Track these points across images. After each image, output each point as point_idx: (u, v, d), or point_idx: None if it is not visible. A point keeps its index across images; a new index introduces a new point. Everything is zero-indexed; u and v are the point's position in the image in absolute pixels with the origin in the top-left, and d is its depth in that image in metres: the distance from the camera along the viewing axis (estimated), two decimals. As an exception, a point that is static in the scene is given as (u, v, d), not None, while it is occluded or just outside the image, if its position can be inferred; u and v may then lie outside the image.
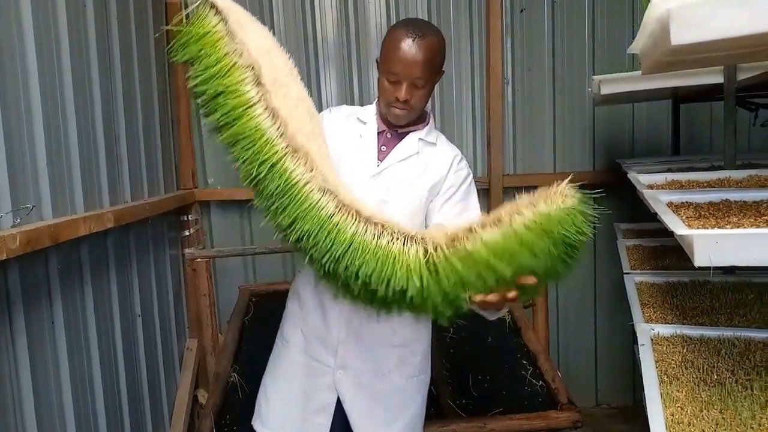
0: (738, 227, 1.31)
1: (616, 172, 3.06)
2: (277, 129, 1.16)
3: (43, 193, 1.77)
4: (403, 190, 1.63)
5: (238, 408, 2.29)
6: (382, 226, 1.13)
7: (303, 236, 1.12)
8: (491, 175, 3.36)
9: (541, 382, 2.31)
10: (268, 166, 1.13)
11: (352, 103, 3.34)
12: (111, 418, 2.14)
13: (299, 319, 1.71)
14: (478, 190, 3.51)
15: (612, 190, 3.41)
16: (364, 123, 1.68)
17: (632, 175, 2.12)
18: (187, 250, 2.99)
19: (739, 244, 1.19)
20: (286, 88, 1.25)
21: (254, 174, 1.14)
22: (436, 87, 3.35)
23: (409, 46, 1.49)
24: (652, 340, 1.77)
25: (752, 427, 1.32)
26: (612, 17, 3.38)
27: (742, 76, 2.06)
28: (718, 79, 2.14)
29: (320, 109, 3.32)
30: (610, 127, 3.47)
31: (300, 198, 1.13)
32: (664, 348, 1.72)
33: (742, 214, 1.43)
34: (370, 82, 3.37)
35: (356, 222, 1.12)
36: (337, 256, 1.10)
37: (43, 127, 1.78)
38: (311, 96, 3.43)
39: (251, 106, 1.16)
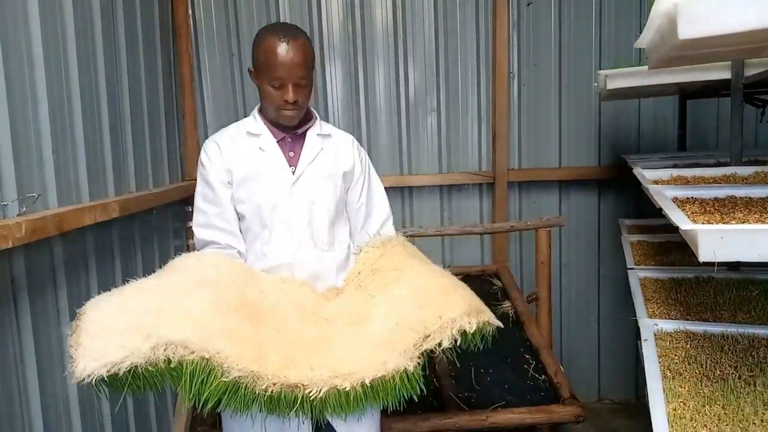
0: (743, 223, 1.31)
1: (621, 168, 3.06)
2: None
3: (48, 183, 1.78)
4: (324, 185, 1.72)
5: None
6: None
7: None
8: (496, 170, 3.35)
9: (543, 376, 2.31)
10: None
11: (357, 97, 3.35)
12: (115, 405, 2.15)
13: None
14: (482, 185, 3.55)
15: (617, 186, 3.44)
16: (258, 135, 1.71)
17: (637, 171, 2.11)
18: (191, 241, 3.00)
19: (744, 240, 1.18)
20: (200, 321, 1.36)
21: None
22: (442, 81, 3.37)
23: (285, 50, 1.58)
24: (655, 335, 1.77)
25: (754, 423, 1.32)
26: (619, 12, 3.36)
27: (749, 72, 2.05)
28: (725, 74, 2.13)
29: (325, 104, 3.33)
30: (615, 122, 3.46)
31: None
32: (668, 343, 1.72)
33: (747, 210, 1.43)
34: (375, 76, 3.36)
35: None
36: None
37: (49, 117, 1.78)
38: (316, 92, 3.41)
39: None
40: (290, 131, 1.72)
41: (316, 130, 1.75)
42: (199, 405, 1.29)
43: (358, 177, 1.81)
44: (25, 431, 1.64)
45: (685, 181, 1.89)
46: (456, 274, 3.10)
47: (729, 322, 1.80)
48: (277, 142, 1.71)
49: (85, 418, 1.94)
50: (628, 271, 2.29)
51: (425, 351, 1.38)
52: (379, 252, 1.73)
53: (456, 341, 1.37)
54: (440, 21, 3.36)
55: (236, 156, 1.69)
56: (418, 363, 1.37)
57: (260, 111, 1.76)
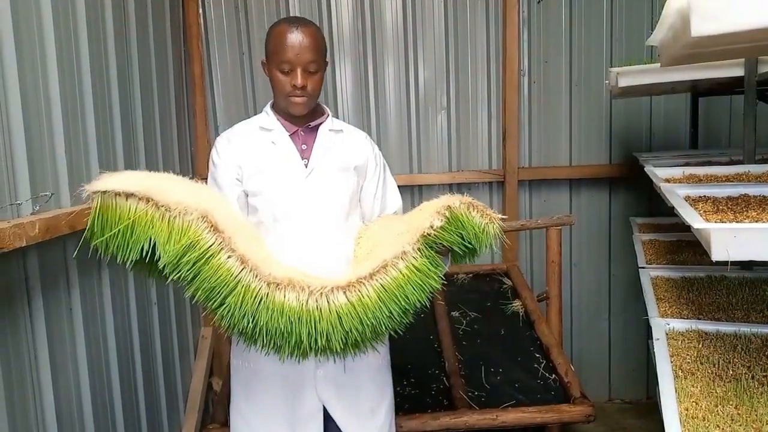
0: (757, 222, 1.30)
1: (632, 166, 3.04)
2: (247, 269, 1.27)
3: (61, 182, 1.80)
4: (337, 179, 1.69)
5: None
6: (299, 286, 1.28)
7: (227, 309, 1.25)
8: (506, 168, 3.34)
9: (554, 375, 2.31)
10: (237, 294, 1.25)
11: (366, 96, 3.35)
12: (127, 403, 2.17)
13: None
14: (492, 183, 3.54)
15: (628, 184, 3.42)
16: (270, 130, 1.69)
17: (649, 169, 2.10)
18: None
19: (758, 239, 1.18)
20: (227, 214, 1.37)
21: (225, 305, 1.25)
22: (452, 77, 3.36)
23: (295, 34, 1.58)
24: (667, 334, 1.75)
25: (768, 424, 1.31)
26: (630, 9, 3.34)
27: (763, 69, 2.03)
28: (739, 72, 2.11)
29: (335, 102, 3.34)
30: (627, 120, 3.44)
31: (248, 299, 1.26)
32: (679, 343, 1.71)
33: (761, 209, 1.41)
34: (385, 75, 3.36)
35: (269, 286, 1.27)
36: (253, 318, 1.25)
37: (62, 116, 1.80)
38: (326, 90, 3.40)
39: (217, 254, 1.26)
40: (302, 124, 1.69)
41: (329, 125, 1.73)
42: (188, 286, 1.25)
43: (374, 172, 1.78)
44: (39, 427, 1.66)
45: (698, 180, 1.87)
46: (466, 273, 3.12)
47: (742, 321, 1.79)
48: (290, 135, 1.68)
49: (97, 415, 1.95)
50: (640, 270, 2.28)
51: (423, 237, 1.32)
52: (367, 236, 1.70)
53: (447, 217, 1.31)
54: (450, 19, 3.35)
55: (247, 150, 1.66)
56: (419, 249, 1.32)
57: (272, 107, 1.74)
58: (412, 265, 1.31)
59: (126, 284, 2.24)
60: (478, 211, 1.35)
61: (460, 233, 1.33)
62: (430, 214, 1.34)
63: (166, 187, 1.32)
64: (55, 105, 1.78)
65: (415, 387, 2.27)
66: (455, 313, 2.73)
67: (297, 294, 1.25)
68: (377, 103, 3.37)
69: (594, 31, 3.36)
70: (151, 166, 2.52)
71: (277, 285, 1.26)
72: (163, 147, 2.68)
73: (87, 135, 1.97)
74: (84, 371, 1.89)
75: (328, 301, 1.26)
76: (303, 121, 1.69)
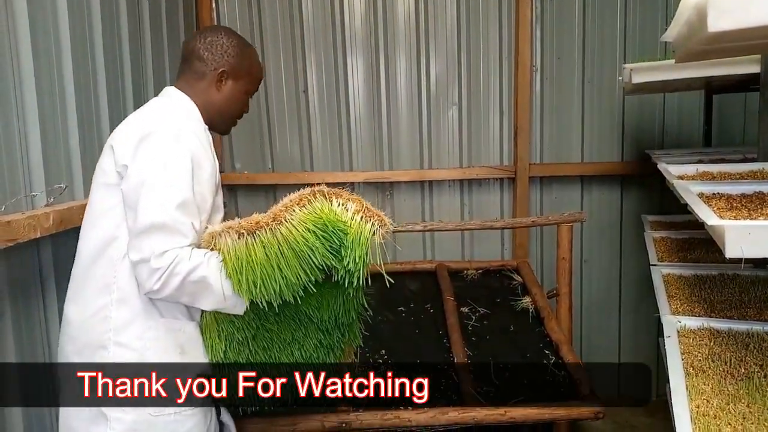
0: (771, 219, 1.29)
1: (644, 163, 3.02)
2: None
3: (75, 174, 1.81)
4: None
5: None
6: None
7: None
8: (518, 164, 3.33)
9: (563, 372, 2.30)
10: None
11: (378, 90, 3.34)
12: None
13: (190, 366, 1.51)
14: (503, 179, 3.53)
15: (640, 182, 3.40)
16: (209, 135, 1.61)
17: (662, 166, 2.09)
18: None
19: (773, 237, 1.17)
20: None
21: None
22: (464, 73, 3.35)
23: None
24: (678, 332, 1.75)
25: (780, 422, 1.30)
26: (644, 4, 3.32)
27: (779, 65, 2.02)
28: (755, 68, 2.10)
29: (346, 97, 3.32)
30: (640, 117, 3.42)
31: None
32: (691, 340, 1.70)
33: (775, 207, 1.40)
34: (397, 69, 3.35)
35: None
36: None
37: (76, 109, 1.81)
38: (338, 85, 3.41)
39: None
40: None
41: None
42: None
43: None
44: (53, 416, 1.68)
45: (711, 177, 1.86)
46: (476, 269, 3.12)
47: (755, 320, 1.78)
48: None
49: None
50: (651, 267, 2.26)
51: None
52: None
53: None
54: (462, 14, 3.34)
55: (198, 156, 1.48)
56: None
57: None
58: None
59: (138, 276, 2.26)
60: None
61: None
62: None
63: None
64: (69, 99, 1.79)
65: (424, 382, 2.27)
66: (465, 309, 2.73)
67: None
68: (388, 97, 3.37)
69: (607, 27, 3.34)
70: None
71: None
72: (175, 140, 2.69)
73: (101, 128, 1.99)
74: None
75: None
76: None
